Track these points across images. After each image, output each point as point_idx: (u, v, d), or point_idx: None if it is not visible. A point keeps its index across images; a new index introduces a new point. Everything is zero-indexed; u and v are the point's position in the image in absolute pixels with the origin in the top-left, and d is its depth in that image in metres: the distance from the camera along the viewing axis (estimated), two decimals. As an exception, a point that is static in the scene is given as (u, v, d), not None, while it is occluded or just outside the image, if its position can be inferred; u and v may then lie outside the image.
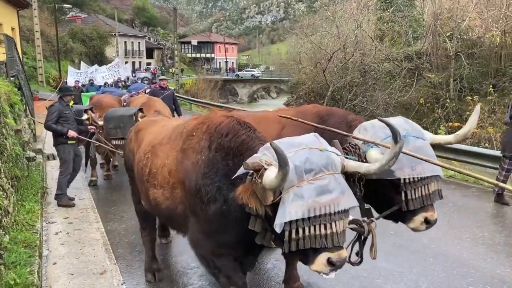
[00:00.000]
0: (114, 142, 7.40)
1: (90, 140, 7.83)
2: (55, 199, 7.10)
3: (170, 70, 54.02)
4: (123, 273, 4.67)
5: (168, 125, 4.00)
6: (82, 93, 14.99)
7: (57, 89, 23.53)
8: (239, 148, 2.86)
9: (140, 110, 7.58)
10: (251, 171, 2.44)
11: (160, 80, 11.49)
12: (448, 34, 24.80)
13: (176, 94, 12.19)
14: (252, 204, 2.41)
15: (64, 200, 7.01)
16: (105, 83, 18.42)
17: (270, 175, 2.26)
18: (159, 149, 3.55)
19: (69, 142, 7.01)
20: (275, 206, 2.36)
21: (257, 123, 4.43)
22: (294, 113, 4.18)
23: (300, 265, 3.81)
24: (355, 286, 4.24)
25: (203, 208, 2.95)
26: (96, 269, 4.77)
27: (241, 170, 2.54)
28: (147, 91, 11.52)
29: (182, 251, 5.24)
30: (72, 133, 6.93)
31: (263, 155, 2.45)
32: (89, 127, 7.78)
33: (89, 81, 18.57)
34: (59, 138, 7.04)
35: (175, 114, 10.84)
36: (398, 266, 4.66)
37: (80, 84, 18.37)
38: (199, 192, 2.95)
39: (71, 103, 7.36)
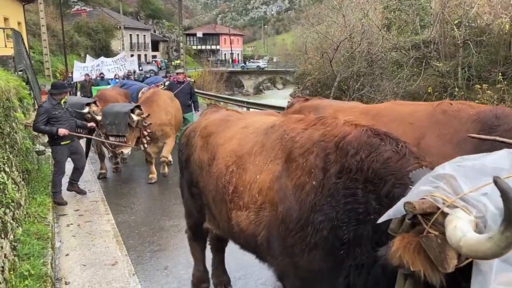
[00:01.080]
0: (110, 138, 7.23)
1: (78, 134, 7.40)
2: (52, 197, 6.76)
3: (172, 62, 53.85)
4: (134, 264, 4.73)
5: (254, 125, 3.06)
6: (92, 87, 14.88)
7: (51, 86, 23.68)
8: (378, 172, 1.97)
9: (138, 107, 7.38)
10: (415, 214, 1.50)
11: (176, 73, 11.12)
12: (456, 21, 24.51)
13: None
14: (419, 267, 1.47)
15: (58, 198, 6.73)
16: (115, 75, 18.08)
17: (467, 232, 1.32)
18: (249, 161, 2.73)
19: (62, 143, 6.62)
20: (457, 273, 1.43)
21: (373, 121, 3.21)
22: (430, 111, 3.09)
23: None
24: (365, 275, 4.26)
25: (305, 250, 2.18)
26: (108, 260, 4.83)
27: (396, 210, 1.60)
28: (166, 83, 11.17)
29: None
30: (62, 131, 6.45)
31: (437, 188, 1.48)
32: (88, 124, 7.35)
33: (100, 74, 18.28)
34: (52, 139, 6.73)
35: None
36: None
37: (89, 78, 18.15)
38: (303, 230, 2.18)
39: (64, 99, 6.79)
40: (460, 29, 24.22)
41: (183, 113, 10.30)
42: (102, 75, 17.72)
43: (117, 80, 15.26)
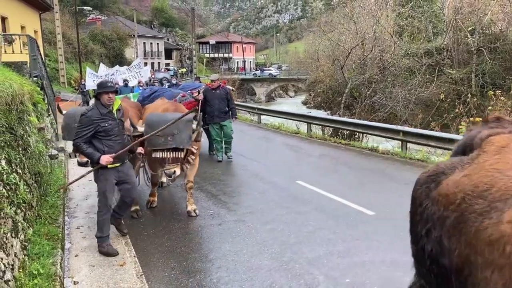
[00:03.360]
0: (157, 154, 5.59)
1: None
2: (98, 244, 5.19)
3: (179, 70, 54.14)
4: (142, 265, 4.75)
5: None
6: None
7: (78, 90, 23.80)
8: None
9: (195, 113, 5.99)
10: None
11: (211, 81, 10.03)
12: (470, 28, 24.37)
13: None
14: None
15: (104, 246, 5.08)
16: (139, 82, 17.30)
17: None
18: None
19: (108, 165, 4.96)
20: None
21: None
22: None
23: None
24: (373, 278, 4.22)
25: None
26: (116, 261, 4.86)
27: None
28: (201, 91, 10.05)
29: (200, 243, 5.31)
30: (105, 160, 4.84)
31: None
32: (138, 149, 5.66)
33: (124, 81, 17.53)
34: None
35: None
36: (417, 259, 4.60)
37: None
38: None
39: (116, 105, 5.08)
40: (474, 36, 24.07)
41: (220, 120, 9.75)
42: (126, 82, 16.88)
43: (140, 88, 14.19)
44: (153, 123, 5.48)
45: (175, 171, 5.62)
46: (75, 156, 10.49)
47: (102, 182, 5.04)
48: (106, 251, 5.04)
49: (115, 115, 5.02)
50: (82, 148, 4.86)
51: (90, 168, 5.30)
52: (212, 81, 9.96)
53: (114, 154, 4.89)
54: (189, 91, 10.10)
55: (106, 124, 4.88)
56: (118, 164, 5.04)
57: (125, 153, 5.16)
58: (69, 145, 11.49)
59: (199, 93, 9.70)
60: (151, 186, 6.81)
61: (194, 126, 5.64)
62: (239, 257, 4.84)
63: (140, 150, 5.49)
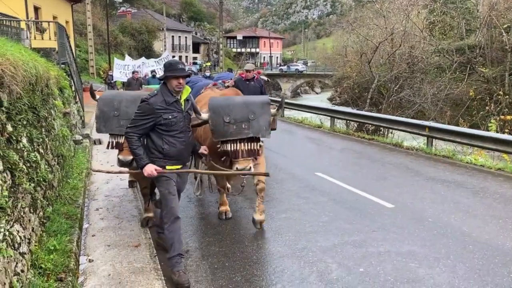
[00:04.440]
0: (227, 146, 4.49)
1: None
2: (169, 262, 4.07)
3: (203, 65, 54.44)
4: (156, 247, 4.78)
5: None
6: (141, 86, 13.64)
7: (105, 81, 24.08)
8: None
9: None
10: None
11: (246, 70, 8.92)
12: (505, 26, 23.53)
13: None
14: None
15: (175, 273, 3.92)
16: None
17: None
18: None
19: (168, 166, 3.96)
20: None
21: None
22: None
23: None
24: (388, 269, 4.12)
25: None
26: (132, 242, 4.91)
27: None
28: (230, 80, 9.25)
29: (214, 228, 5.31)
30: (149, 171, 3.86)
31: None
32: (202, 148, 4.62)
33: (151, 72, 16.92)
34: (153, 154, 3.96)
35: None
36: (435, 252, 4.48)
37: (138, 76, 16.35)
38: None
39: (186, 93, 4.06)
40: (509, 33, 23.22)
41: None
42: (154, 73, 16.60)
43: None
44: (219, 107, 4.48)
45: (250, 167, 4.54)
46: (100, 143, 10.75)
47: (163, 183, 3.97)
48: (177, 280, 3.88)
49: (183, 106, 4.00)
50: (133, 144, 3.88)
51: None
52: (247, 71, 8.78)
53: (161, 169, 3.90)
54: (220, 81, 9.39)
55: (170, 116, 3.87)
56: (179, 166, 4.05)
57: (186, 162, 4.25)
58: (94, 132, 11.77)
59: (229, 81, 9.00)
60: (217, 192, 5.81)
61: (273, 110, 4.68)
62: (252, 243, 4.82)
63: (203, 149, 4.47)
